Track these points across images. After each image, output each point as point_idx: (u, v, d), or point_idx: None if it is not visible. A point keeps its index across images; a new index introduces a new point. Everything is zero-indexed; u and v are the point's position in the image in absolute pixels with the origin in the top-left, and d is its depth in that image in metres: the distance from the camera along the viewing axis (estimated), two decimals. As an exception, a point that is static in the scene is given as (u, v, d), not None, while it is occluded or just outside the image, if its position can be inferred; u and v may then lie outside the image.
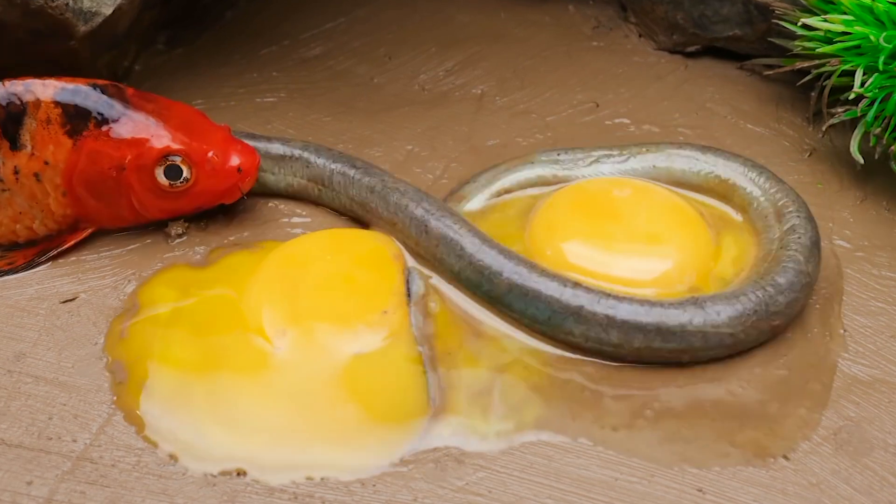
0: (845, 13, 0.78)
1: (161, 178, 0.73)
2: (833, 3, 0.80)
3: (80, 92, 0.72)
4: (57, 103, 0.72)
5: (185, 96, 0.89)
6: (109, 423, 0.64)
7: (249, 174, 0.74)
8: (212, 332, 0.68)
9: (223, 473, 0.61)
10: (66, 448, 0.63)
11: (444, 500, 0.60)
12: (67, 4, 0.76)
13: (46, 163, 0.72)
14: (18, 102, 0.72)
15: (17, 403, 0.65)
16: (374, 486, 0.61)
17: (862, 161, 0.78)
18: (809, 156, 0.83)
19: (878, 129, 0.77)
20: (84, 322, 0.70)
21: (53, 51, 0.80)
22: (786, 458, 0.62)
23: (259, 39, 0.95)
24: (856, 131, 0.78)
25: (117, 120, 0.72)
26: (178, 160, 0.72)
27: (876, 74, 0.76)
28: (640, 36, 0.96)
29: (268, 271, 0.71)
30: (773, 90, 0.89)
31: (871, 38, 0.76)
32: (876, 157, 0.78)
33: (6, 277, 0.73)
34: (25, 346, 0.69)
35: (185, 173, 0.73)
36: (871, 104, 0.77)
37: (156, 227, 0.76)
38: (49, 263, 0.74)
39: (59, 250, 0.74)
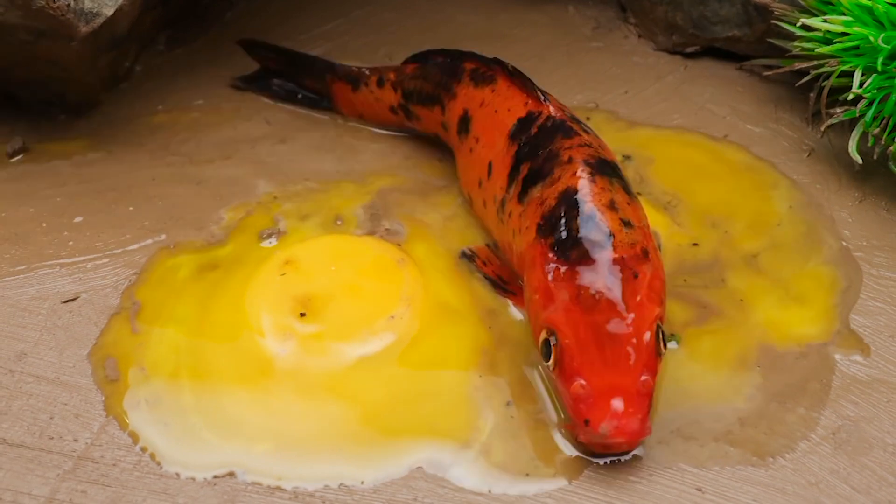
0: (844, 14, 0.78)
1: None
2: (832, 4, 0.80)
3: None
4: None
5: (185, 96, 0.89)
6: (111, 423, 0.64)
7: (606, 444, 0.60)
8: (213, 334, 0.68)
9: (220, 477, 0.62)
10: (67, 447, 0.63)
11: (444, 499, 0.60)
12: (69, 5, 0.76)
13: None
14: None
15: (19, 403, 0.65)
16: (374, 485, 0.61)
17: (860, 161, 0.78)
18: (808, 156, 0.83)
19: (877, 130, 0.77)
20: (85, 322, 0.70)
21: (54, 51, 0.80)
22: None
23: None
24: (854, 132, 0.78)
25: None
26: (553, 342, 0.61)
27: (874, 75, 0.76)
28: (639, 36, 0.96)
29: (270, 276, 0.71)
30: (772, 91, 0.89)
31: (871, 38, 0.76)
32: (874, 157, 0.78)
33: (5, 278, 0.73)
34: (27, 346, 0.69)
35: (549, 360, 0.61)
36: (870, 105, 0.77)
37: (156, 226, 0.76)
38: (49, 264, 0.74)
39: None
